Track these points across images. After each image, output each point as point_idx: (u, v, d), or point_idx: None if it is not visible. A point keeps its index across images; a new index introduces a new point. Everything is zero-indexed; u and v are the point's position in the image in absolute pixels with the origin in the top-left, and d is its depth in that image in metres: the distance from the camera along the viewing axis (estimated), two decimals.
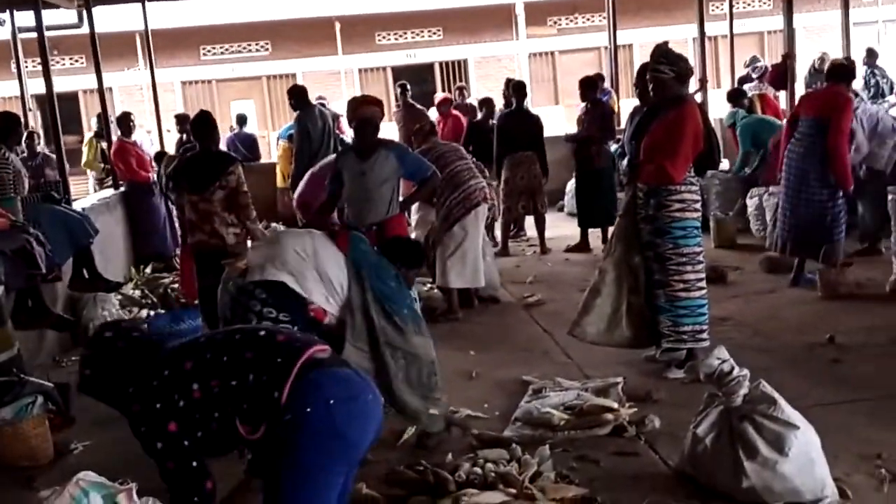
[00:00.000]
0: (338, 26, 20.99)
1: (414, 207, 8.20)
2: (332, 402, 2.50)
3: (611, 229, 7.28)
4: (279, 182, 11.74)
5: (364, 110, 5.19)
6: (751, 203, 9.07)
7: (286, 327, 2.87)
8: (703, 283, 5.31)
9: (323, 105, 11.10)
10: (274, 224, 10.37)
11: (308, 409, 2.48)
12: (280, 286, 4.10)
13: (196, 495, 2.63)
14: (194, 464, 2.62)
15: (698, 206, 5.23)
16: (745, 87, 11.45)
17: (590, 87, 9.57)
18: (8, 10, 10.74)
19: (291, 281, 4.10)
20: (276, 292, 4.09)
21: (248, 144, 13.21)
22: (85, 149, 11.37)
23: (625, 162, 5.84)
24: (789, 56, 9.01)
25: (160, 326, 6.18)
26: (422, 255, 4.74)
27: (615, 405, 4.64)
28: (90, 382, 2.81)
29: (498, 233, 9.82)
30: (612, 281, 5.30)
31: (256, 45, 22.28)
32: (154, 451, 2.62)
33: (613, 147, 9.76)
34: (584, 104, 9.57)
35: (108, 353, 2.75)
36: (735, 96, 10.64)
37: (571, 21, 22.69)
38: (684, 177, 5.09)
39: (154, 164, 10.20)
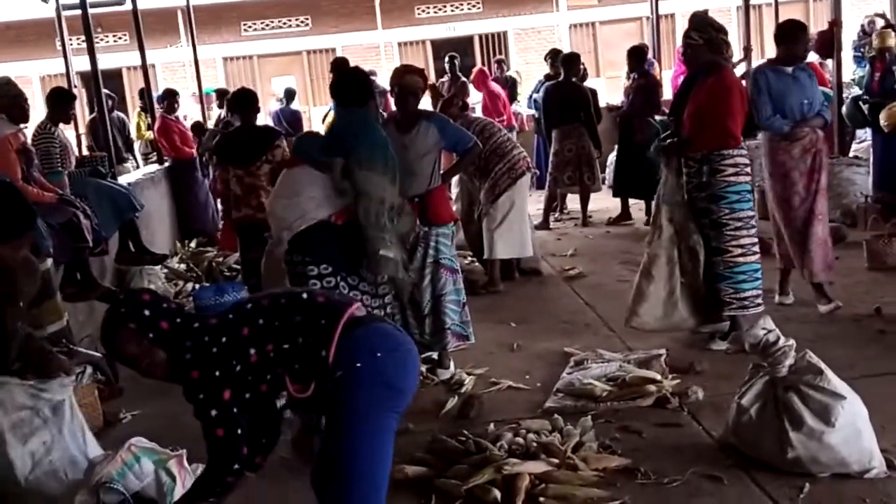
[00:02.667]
0: (377, 0, 20.93)
1: (454, 180, 8.21)
2: (378, 354, 2.63)
3: (653, 204, 7.28)
4: None
5: (406, 79, 5.17)
6: None
7: (321, 290, 2.96)
8: (758, 248, 5.26)
9: (372, 79, 11.07)
10: None
11: (358, 364, 2.60)
12: (303, 235, 4.33)
13: (235, 462, 2.73)
14: (239, 431, 2.72)
15: (749, 169, 5.18)
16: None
17: (639, 57, 9.49)
18: None
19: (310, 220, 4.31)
20: (303, 244, 4.33)
21: (292, 120, 13.25)
22: (136, 119, 11.59)
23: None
24: (835, 23, 8.82)
25: (205, 298, 6.25)
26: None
27: (658, 377, 4.63)
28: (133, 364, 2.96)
29: (540, 206, 9.79)
30: (664, 264, 5.20)
31: (296, 20, 22.30)
32: (207, 416, 2.69)
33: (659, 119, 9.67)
34: (632, 74, 9.50)
35: (154, 332, 2.82)
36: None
37: None
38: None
39: (194, 136, 10.27)
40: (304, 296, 2.80)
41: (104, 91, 8.46)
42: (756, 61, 12.72)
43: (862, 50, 11.19)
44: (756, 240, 5.25)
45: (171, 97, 10.32)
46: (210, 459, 2.78)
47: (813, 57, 10.86)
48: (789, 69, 5.66)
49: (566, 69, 9.56)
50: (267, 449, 3.03)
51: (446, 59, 12.10)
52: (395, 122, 5.22)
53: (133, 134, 11.61)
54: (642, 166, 9.02)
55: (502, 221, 6.97)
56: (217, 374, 2.67)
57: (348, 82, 4.65)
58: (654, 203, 5.45)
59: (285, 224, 4.48)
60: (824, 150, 5.77)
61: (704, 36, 5.05)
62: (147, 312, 2.82)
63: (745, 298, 5.19)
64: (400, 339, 2.76)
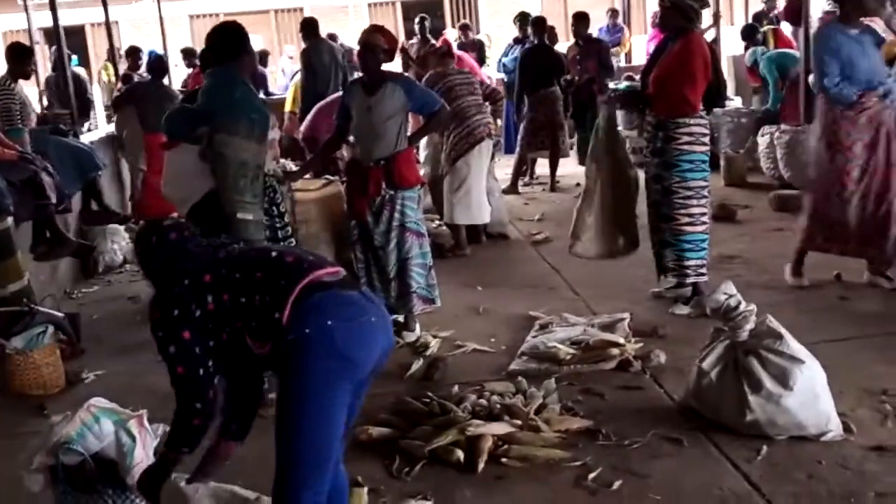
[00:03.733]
0: None
1: (423, 143, 8.17)
2: (330, 323, 2.55)
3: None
4: (287, 106, 11.49)
5: (367, 37, 5.11)
6: (762, 141, 8.99)
7: (298, 249, 2.89)
8: (707, 218, 5.31)
9: (335, 41, 10.96)
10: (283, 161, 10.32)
11: (307, 330, 2.54)
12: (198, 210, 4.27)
13: (198, 401, 2.72)
14: (201, 371, 2.70)
15: (706, 139, 5.20)
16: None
17: (583, 22, 9.47)
18: None
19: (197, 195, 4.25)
20: (200, 219, 4.18)
21: (260, 81, 13.13)
22: (103, 72, 11.47)
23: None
24: None
25: None
26: (225, 36, 4.37)
27: (621, 340, 4.66)
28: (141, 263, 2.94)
29: (508, 171, 9.78)
30: (599, 193, 5.37)
31: None
32: (166, 353, 2.70)
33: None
34: (574, 41, 9.45)
35: (146, 247, 2.87)
36: (749, 33, 10.51)
37: None
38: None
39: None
40: (274, 253, 2.75)
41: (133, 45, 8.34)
42: (725, 28, 12.77)
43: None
44: (706, 210, 5.29)
45: (134, 54, 10.15)
46: (177, 402, 2.77)
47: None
48: (855, 31, 5.25)
49: (537, 33, 9.51)
50: (246, 417, 2.96)
51: (416, 20, 11.96)
52: (362, 83, 5.17)
53: (96, 85, 11.45)
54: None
55: (459, 187, 6.98)
56: (175, 313, 2.67)
57: (211, 40, 4.36)
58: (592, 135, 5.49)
59: (178, 204, 4.44)
60: (891, 122, 5.28)
61: (674, 0, 5.04)
62: (153, 239, 2.86)
63: (688, 267, 5.25)
64: (362, 309, 2.65)
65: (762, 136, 9.00)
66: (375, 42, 5.06)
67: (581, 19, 9.33)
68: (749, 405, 3.63)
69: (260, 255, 2.77)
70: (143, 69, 10.41)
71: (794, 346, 3.70)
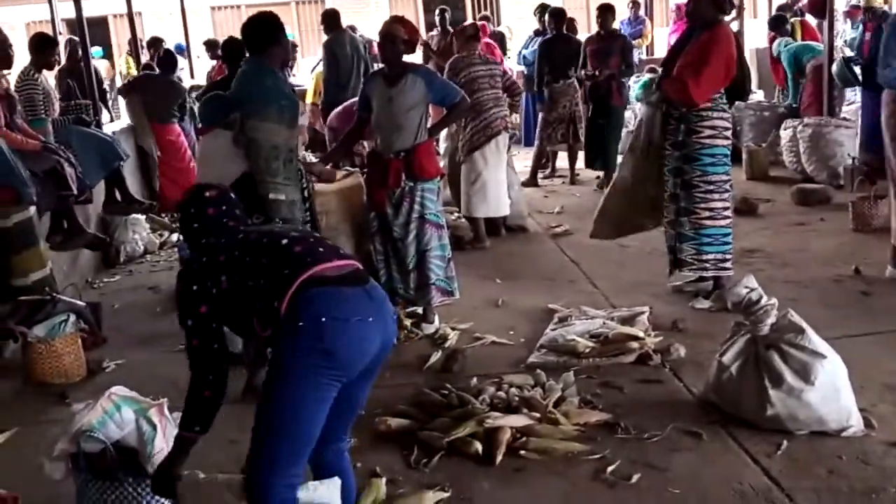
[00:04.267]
0: None
1: (443, 135, 8.17)
2: (323, 319, 2.55)
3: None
4: (309, 98, 11.54)
5: (387, 27, 5.12)
6: (784, 135, 8.93)
7: (309, 237, 2.91)
8: (729, 213, 5.28)
9: (353, 31, 10.95)
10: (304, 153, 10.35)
11: (300, 323, 2.55)
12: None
13: (211, 373, 2.77)
14: (216, 346, 2.77)
15: (728, 133, 5.16)
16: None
17: (610, 14, 8.93)
18: None
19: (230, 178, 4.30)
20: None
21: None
22: (124, 64, 11.53)
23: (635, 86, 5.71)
24: None
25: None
26: (257, 27, 4.50)
27: (641, 334, 4.65)
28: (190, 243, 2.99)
29: (528, 164, 9.75)
30: (628, 179, 5.43)
31: None
32: (185, 326, 2.78)
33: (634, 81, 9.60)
34: (596, 33, 8.97)
35: (187, 216, 2.94)
36: (776, 23, 10.44)
37: None
38: (714, 102, 5.03)
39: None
40: (284, 241, 2.75)
41: (70, 37, 8.37)
42: (748, 20, 12.68)
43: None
44: (728, 204, 5.26)
45: (155, 45, 10.20)
46: (191, 373, 2.82)
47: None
48: None
49: (556, 25, 9.43)
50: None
51: (436, 12, 11.91)
52: (383, 74, 5.16)
53: (118, 77, 11.53)
54: (614, 132, 8.90)
55: (476, 180, 6.98)
56: (194, 288, 2.74)
57: (246, 30, 4.52)
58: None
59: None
60: None
61: None
62: (192, 210, 2.93)
63: (706, 261, 5.23)
64: (359, 308, 2.63)
65: (784, 129, 8.95)
66: (396, 33, 5.05)
67: (607, 11, 8.82)
68: (770, 399, 3.61)
69: (271, 240, 2.78)
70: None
71: (815, 340, 3.68)
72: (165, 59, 9.15)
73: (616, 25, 13.43)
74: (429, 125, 5.25)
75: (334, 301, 2.60)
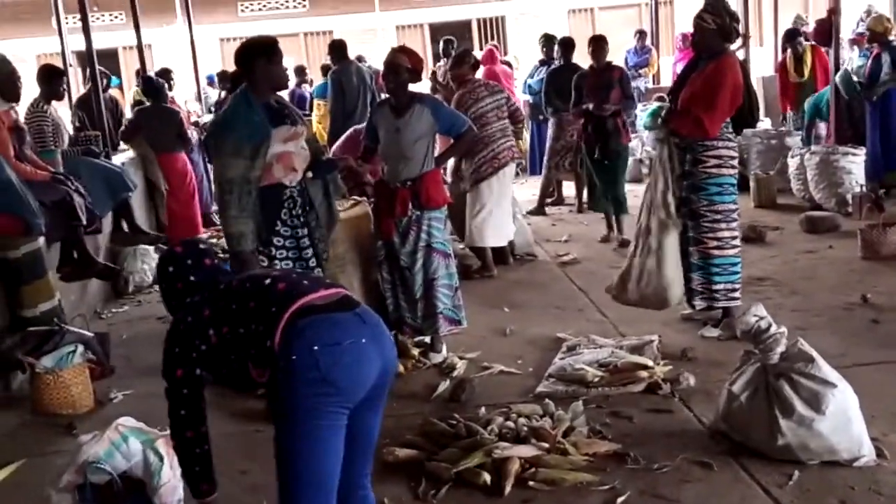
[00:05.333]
0: None
1: (450, 163, 8.19)
2: (315, 347, 2.52)
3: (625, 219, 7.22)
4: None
5: (390, 57, 5.15)
6: (792, 162, 8.94)
7: (290, 274, 2.89)
8: (738, 242, 5.26)
9: (362, 62, 11.05)
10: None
11: (294, 357, 2.52)
12: None
13: (174, 437, 2.79)
14: (182, 412, 2.75)
15: (735, 162, 5.16)
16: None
17: (605, 44, 8.06)
18: None
19: None
20: None
21: (299, 101, 13.29)
22: (134, 96, 11.64)
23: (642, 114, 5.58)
24: (834, 12, 8.80)
25: None
26: (238, 59, 4.46)
27: (650, 363, 4.63)
28: (167, 305, 2.97)
29: (535, 192, 9.76)
30: (652, 238, 5.22)
31: (294, 1, 22.20)
32: (164, 380, 2.77)
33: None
34: (591, 66, 8.02)
35: (164, 277, 2.91)
36: (791, 36, 10.54)
37: None
38: (720, 132, 5.02)
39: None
40: (267, 281, 2.72)
41: (99, 68, 8.41)
42: (754, 49, 12.74)
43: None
44: (736, 233, 5.24)
45: (165, 76, 10.27)
46: (172, 437, 2.83)
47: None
48: None
49: (564, 54, 9.46)
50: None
51: (442, 42, 11.97)
52: (390, 104, 5.19)
53: (127, 110, 11.58)
54: (619, 175, 8.02)
55: (481, 210, 6.98)
56: (176, 350, 2.72)
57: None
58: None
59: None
60: None
61: (718, 21, 4.97)
62: (171, 269, 2.90)
63: (716, 291, 5.20)
64: (351, 332, 2.59)
65: (792, 157, 8.95)
66: (399, 62, 5.07)
67: (600, 43, 8.02)
68: (780, 429, 3.58)
69: (254, 283, 2.75)
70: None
71: (825, 369, 3.65)
72: (151, 86, 9.06)
73: (622, 55, 13.58)
74: (436, 154, 5.26)
75: (324, 328, 2.57)
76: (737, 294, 5.24)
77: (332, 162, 4.86)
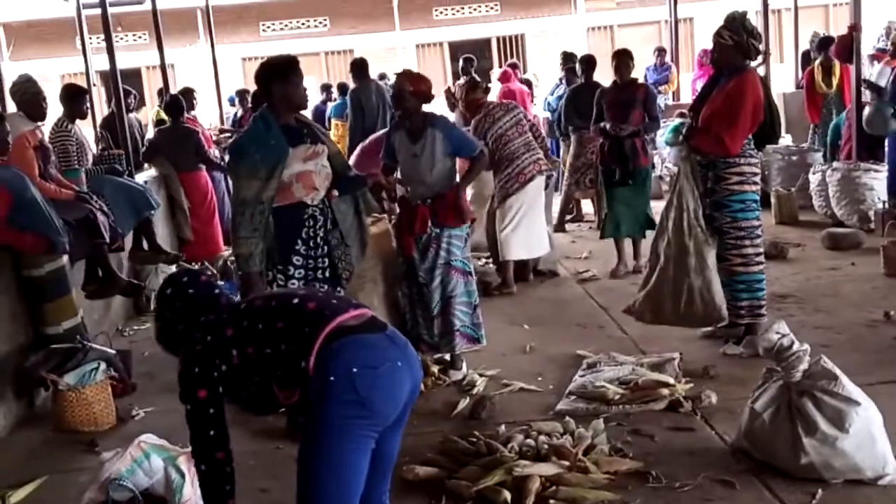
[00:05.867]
0: (395, 1, 20.97)
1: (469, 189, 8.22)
2: (354, 370, 2.52)
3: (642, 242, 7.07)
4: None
5: (395, 83, 5.22)
6: (813, 179, 8.89)
7: (318, 293, 2.86)
8: (762, 258, 5.23)
9: (384, 80, 11.12)
10: None
11: (331, 378, 2.51)
12: None
13: (203, 462, 2.73)
14: (211, 433, 2.70)
15: (757, 179, 5.14)
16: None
17: (628, 61, 7.54)
18: None
19: None
20: None
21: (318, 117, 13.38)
22: (156, 116, 11.73)
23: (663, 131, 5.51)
24: (855, 28, 8.77)
25: None
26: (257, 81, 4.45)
27: (671, 380, 4.60)
28: (160, 333, 2.94)
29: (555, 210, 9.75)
30: (670, 257, 5.20)
31: (315, 21, 22.40)
32: (186, 409, 2.73)
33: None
34: (615, 82, 7.54)
35: (170, 309, 2.86)
36: (821, 45, 10.51)
37: None
38: (742, 148, 5.01)
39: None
40: (295, 300, 2.70)
41: (124, 87, 8.50)
42: (775, 65, 12.72)
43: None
44: (760, 250, 5.21)
45: (188, 96, 10.35)
46: (194, 458, 2.79)
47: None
48: None
49: (585, 71, 9.45)
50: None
51: (461, 60, 11.99)
52: (406, 128, 5.21)
53: (150, 127, 11.70)
54: (643, 197, 7.51)
55: (508, 223, 6.98)
56: (196, 370, 2.67)
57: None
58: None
59: None
60: None
61: (736, 37, 4.96)
62: (169, 291, 2.88)
63: (741, 308, 5.17)
64: (386, 354, 2.61)
65: (814, 173, 8.91)
66: (403, 88, 5.10)
67: (624, 58, 7.56)
68: (803, 448, 3.55)
69: (281, 302, 2.73)
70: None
71: (849, 387, 3.62)
72: (172, 103, 9.10)
73: (641, 72, 13.55)
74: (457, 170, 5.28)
75: (362, 350, 2.57)
76: (762, 311, 5.21)
77: (360, 178, 4.83)
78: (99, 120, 10.27)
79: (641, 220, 7.43)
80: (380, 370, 2.56)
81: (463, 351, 5.21)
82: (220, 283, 3.06)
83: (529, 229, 7.03)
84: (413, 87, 5.09)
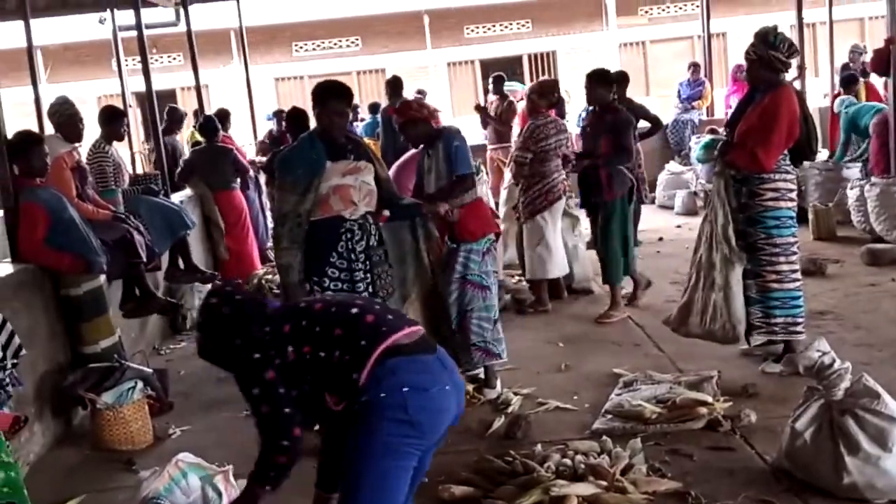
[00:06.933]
0: (427, 20, 21.08)
1: (502, 199, 8.21)
2: (406, 390, 2.56)
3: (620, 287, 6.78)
4: None
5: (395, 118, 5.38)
6: (851, 194, 8.79)
7: (377, 305, 2.90)
8: (798, 275, 5.17)
9: (421, 94, 11.16)
10: None
11: (383, 395, 2.55)
12: None
13: (284, 439, 2.73)
14: (287, 410, 2.72)
15: (793, 195, 5.08)
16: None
17: (602, 83, 6.76)
18: (109, 10, 11.09)
19: None
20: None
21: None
22: (191, 137, 11.85)
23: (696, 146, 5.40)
24: (892, 41, 8.67)
25: None
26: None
27: (709, 399, 4.55)
28: (205, 348, 2.96)
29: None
30: (705, 270, 5.16)
31: (347, 40, 22.54)
32: (250, 395, 2.74)
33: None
34: (589, 108, 7.11)
35: (217, 319, 2.90)
36: (848, 82, 10.37)
37: (663, 10, 22.28)
38: (776, 165, 4.97)
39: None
40: (354, 310, 2.75)
41: (172, 106, 8.60)
42: (810, 79, 12.60)
43: None
44: (796, 266, 5.15)
45: (224, 117, 10.46)
46: (263, 441, 2.79)
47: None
48: None
49: (618, 89, 9.39)
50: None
51: (491, 78, 12.01)
52: (424, 148, 5.28)
53: (186, 147, 11.82)
54: (608, 234, 6.74)
55: (540, 242, 6.97)
56: (256, 356, 2.71)
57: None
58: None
59: None
60: None
61: (758, 52, 4.95)
62: (214, 300, 2.93)
63: (775, 325, 5.11)
64: (437, 377, 2.65)
65: (851, 188, 8.81)
66: (395, 123, 5.36)
67: (589, 81, 6.77)
68: (846, 467, 3.49)
69: (340, 309, 2.78)
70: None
71: (892, 405, 3.56)
72: (207, 125, 9.20)
73: (674, 87, 13.50)
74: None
75: (415, 371, 2.61)
76: (798, 328, 5.14)
77: (415, 206, 4.97)
78: (136, 141, 10.38)
79: (609, 265, 6.78)
80: (431, 393, 2.60)
81: (482, 365, 5.18)
82: None
83: (552, 249, 7.01)
84: (401, 118, 5.22)
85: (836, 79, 11.91)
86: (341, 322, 2.70)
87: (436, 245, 5.10)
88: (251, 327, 2.79)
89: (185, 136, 12.41)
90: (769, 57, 4.94)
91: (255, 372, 2.72)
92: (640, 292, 7.10)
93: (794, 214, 5.12)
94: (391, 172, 7.63)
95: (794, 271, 5.14)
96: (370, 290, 4.57)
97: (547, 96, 7.08)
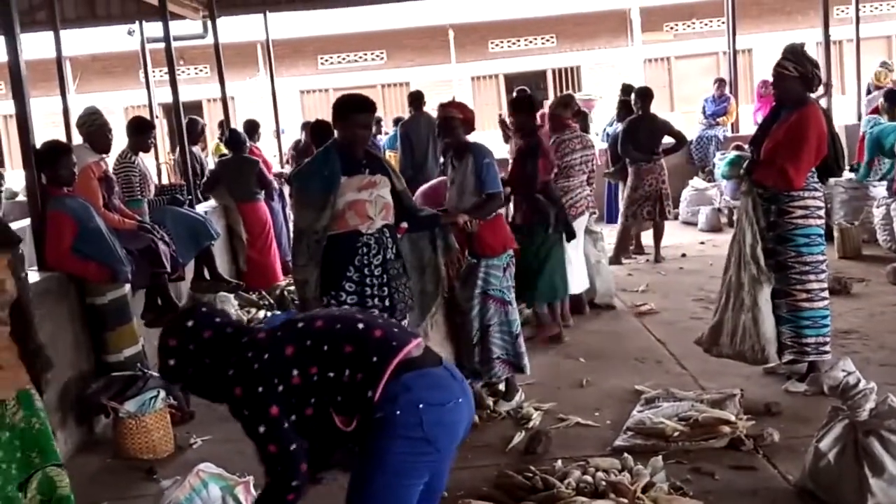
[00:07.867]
0: (451, 34, 21.16)
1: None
2: (421, 405, 2.53)
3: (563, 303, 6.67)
4: None
5: (442, 112, 5.28)
6: (877, 212, 8.71)
7: (382, 320, 2.82)
8: (826, 293, 5.13)
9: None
10: None
11: (398, 412, 2.51)
12: None
13: (294, 479, 2.62)
14: (293, 447, 2.62)
15: (821, 212, 5.05)
16: (871, 95, 11.05)
17: (522, 109, 6.35)
18: (137, 21, 11.23)
19: None
20: None
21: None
22: (215, 148, 11.94)
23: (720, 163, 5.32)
24: None
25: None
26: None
27: (732, 417, 4.51)
28: (176, 371, 2.81)
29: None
30: (735, 290, 5.13)
31: (372, 54, 22.67)
32: (256, 434, 2.62)
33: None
34: (516, 133, 6.84)
35: (198, 345, 2.75)
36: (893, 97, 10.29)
37: (689, 26, 22.27)
38: (805, 182, 4.93)
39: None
40: (361, 326, 2.67)
41: (193, 117, 8.66)
42: (837, 96, 12.53)
43: None
44: (825, 285, 5.11)
45: (253, 128, 10.54)
46: (268, 479, 2.68)
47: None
48: None
49: (642, 104, 9.40)
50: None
51: (514, 91, 11.99)
52: (450, 158, 5.28)
53: (211, 159, 11.89)
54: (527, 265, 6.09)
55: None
56: (260, 389, 2.58)
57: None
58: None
59: None
60: None
61: (800, 69, 4.89)
62: (190, 323, 2.77)
63: (807, 345, 5.07)
64: (450, 391, 2.61)
65: (878, 207, 8.73)
66: (452, 116, 5.16)
67: (519, 106, 6.41)
68: (870, 489, 3.46)
69: (346, 326, 2.69)
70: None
71: None
72: (232, 138, 9.24)
73: (699, 104, 13.45)
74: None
75: (428, 386, 2.57)
76: (827, 348, 5.10)
77: (434, 217, 4.93)
78: (162, 152, 10.47)
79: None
80: (445, 407, 2.57)
81: (504, 377, 5.18)
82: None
83: (574, 265, 6.98)
84: (463, 114, 5.18)
85: (864, 97, 11.83)
86: (350, 339, 2.62)
87: (455, 257, 5.09)
88: (245, 355, 2.65)
89: (211, 148, 12.51)
90: (811, 74, 4.90)
91: (258, 408, 2.59)
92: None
93: (822, 232, 5.08)
94: (417, 197, 7.68)
95: (823, 290, 5.10)
96: (388, 303, 4.55)
97: (569, 105, 7.13)
